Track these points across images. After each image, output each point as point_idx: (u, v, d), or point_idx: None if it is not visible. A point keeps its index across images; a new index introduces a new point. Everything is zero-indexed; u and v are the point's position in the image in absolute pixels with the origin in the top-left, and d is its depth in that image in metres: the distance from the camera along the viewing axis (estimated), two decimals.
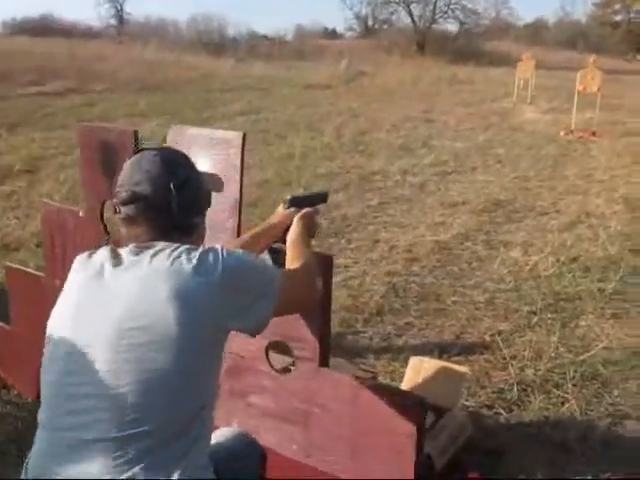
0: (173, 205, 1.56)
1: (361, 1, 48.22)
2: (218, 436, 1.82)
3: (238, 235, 2.20)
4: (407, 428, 1.96)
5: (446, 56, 31.11)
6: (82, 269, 1.59)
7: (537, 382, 3.49)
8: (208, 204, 1.73)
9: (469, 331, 4.12)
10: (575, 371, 3.59)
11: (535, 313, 4.34)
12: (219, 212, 2.25)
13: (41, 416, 1.51)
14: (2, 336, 3.15)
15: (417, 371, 3.06)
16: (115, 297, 1.47)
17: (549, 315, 4.32)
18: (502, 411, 3.24)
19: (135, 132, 2.44)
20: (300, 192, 2.38)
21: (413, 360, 3.15)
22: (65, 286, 1.61)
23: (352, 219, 6.58)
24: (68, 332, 1.50)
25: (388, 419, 1.99)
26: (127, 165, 1.64)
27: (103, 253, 1.58)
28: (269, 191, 7.45)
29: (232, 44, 27.74)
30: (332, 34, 53.95)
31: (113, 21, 44.83)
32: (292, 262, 1.84)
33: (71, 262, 1.66)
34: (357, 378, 2.07)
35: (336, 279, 4.93)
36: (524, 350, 3.80)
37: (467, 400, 3.32)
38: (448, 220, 6.54)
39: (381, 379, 3.47)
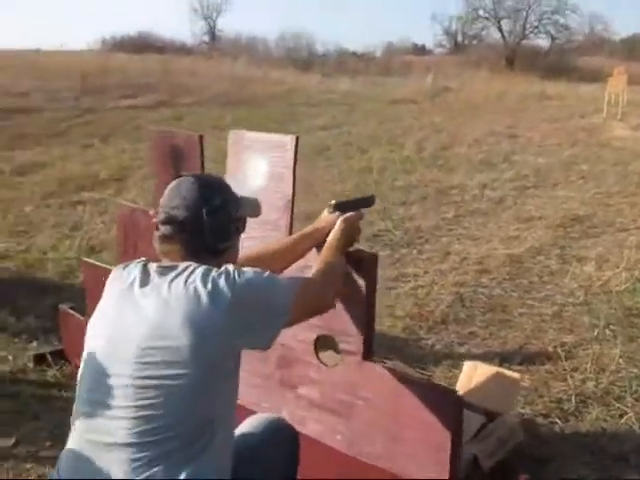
0: (204, 230, 1.70)
1: (451, 17, 47.96)
2: (252, 421, 1.96)
3: (290, 233, 2.32)
4: (444, 424, 2.02)
5: (536, 72, 30.57)
6: (116, 282, 1.75)
7: (597, 394, 3.47)
8: (241, 229, 1.86)
9: (533, 342, 4.11)
10: (638, 385, 3.55)
11: (602, 327, 4.28)
12: (273, 211, 2.38)
13: (73, 418, 1.67)
14: (79, 327, 3.36)
15: (471, 376, 3.10)
16: (139, 316, 1.62)
17: (617, 329, 4.26)
18: (558, 420, 3.23)
19: (201, 137, 2.60)
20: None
21: (467, 365, 3.19)
22: (103, 295, 1.78)
23: (426, 231, 6.62)
24: (101, 344, 1.66)
25: (427, 414, 2.06)
26: (168, 188, 1.79)
27: (135, 269, 1.73)
28: None
29: (319, 60, 28.13)
30: (421, 50, 53.88)
31: (206, 38, 46.15)
32: (318, 268, 1.95)
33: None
34: (398, 373, 2.14)
35: (404, 288, 5.03)
36: (586, 362, 3.77)
37: (523, 408, 3.33)
38: (523, 234, 6.50)
39: None
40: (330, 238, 2.12)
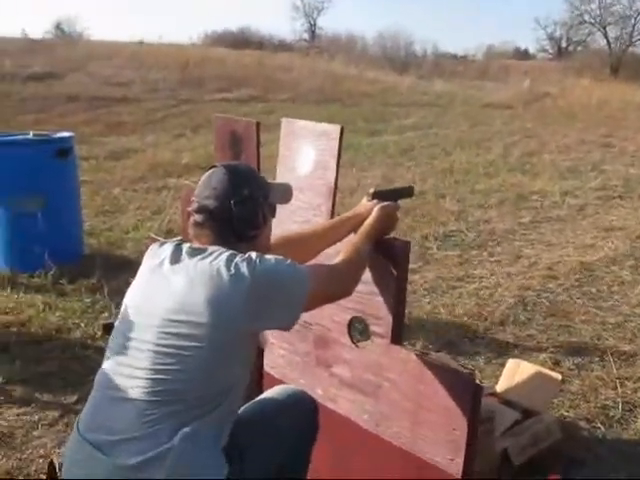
0: (233, 219, 1.83)
1: (556, 22, 46.84)
2: (275, 390, 2.11)
3: (332, 218, 2.42)
4: (462, 409, 2.08)
5: None
6: (151, 257, 1.90)
7: None
8: (271, 216, 1.98)
9: (589, 348, 4.07)
10: None
11: None
12: (317, 197, 2.49)
13: (97, 378, 1.83)
14: None
15: (513, 373, 3.14)
16: (167, 290, 1.75)
17: None
18: (601, 426, 3.22)
19: (257, 124, 2.73)
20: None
21: (511, 362, 3.22)
22: (140, 268, 1.92)
23: (499, 234, 6.60)
24: (130, 312, 1.82)
25: (446, 398, 2.12)
26: (202, 178, 1.92)
27: (169, 247, 1.87)
28: (423, 202, 7.63)
29: (416, 61, 28.03)
30: (524, 54, 52.83)
31: (306, 35, 46.67)
32: (345, 254, 2.03)
33: None
34: (423, 358, 2.21)
35: (467, 288, 5.06)
36: None
37: (567, 411, 3.34)
38: (599, 243, 6.38)
39: (486, 382, 3.55)
40: (365, 224, 2.21)
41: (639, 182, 9.55)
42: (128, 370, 1.73)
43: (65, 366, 3.66)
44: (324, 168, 2.46)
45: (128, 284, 3.35)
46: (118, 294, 4.41)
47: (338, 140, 2.39)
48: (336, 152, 2.41)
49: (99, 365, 1.85)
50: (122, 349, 1.77)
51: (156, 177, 8.29)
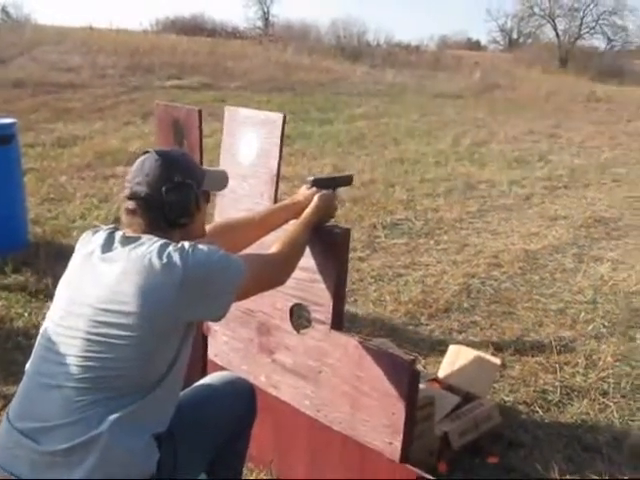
0: (164, 206, 1.81)
1: (507, 14, 47.44)
2: (211, 377, 2.13)
3: (274, 203, 2.44)
4: (400, 393, 2.12)
5: (589, 73, 30.09)
6: (84, 245, 1.87)
7: (584, 388, 3.53)
8: (205, 202, 1.95)
9: (530, 335, 4.17)
10: (627, 382, 3.60)
11: (603, 325, 4.32)
12: (261, 183, 2.50)
13: (27, 366, 1.82)
14: None
15: (454, 359, 3.20)
16: (98, 280, 1.74)
17: (617, 329, 4.29)
18: (539, 410, 3.31)
19: (199, 111, 2.73)
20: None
21: (452, 348, 3.29)
22: (73, 255, 1.90)
23: (447, 223, 6.68)
24: (61, 300, 1.80)
25: (385, 383, 2.16)
26: (135, 164, 1.89)
27: (102, 235, 1.84)
28: (373, 191, 7.69)
29: (369, 50, 28.05)
30: (475, 45, 53.38)
31: (259, 23, 46.33)
32: (282, 243, 2.04)
33: None
34: (363, 343, 2.24)
35: (413, 275, 5.13)
36: (579, 358, 3.82)
37: (507, 396, 3.41)
38: (544, 232, 6.52)
39: (429, 368, 3.61)
40: (305, 213, 2.22)
41: (584, 172, 9.78)
42: (58, 357, 1.71)
43: (7, 356, 3.60)
44: (267, 156, 2.47)
45: None
46: None
47: (281, 128, 2.40)
48: (279, 140, 2.42)
49: None
50: (53, 337, 1.76)
51: (104, 165, 8.16)
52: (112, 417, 1.65)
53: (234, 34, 31.32)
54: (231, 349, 2.73)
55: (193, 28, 29.99)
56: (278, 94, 15.83)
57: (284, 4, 78.22)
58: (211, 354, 2.84)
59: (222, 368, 2.72)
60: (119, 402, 1.68)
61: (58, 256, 4.96)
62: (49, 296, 4.24)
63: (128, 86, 14.30)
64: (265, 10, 47.08)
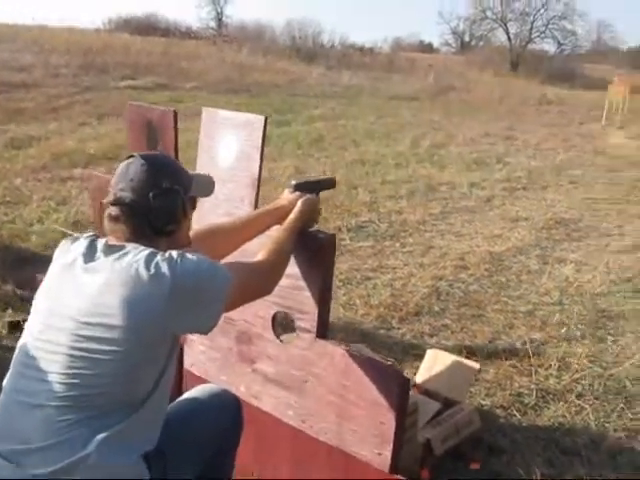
0: (151, 213, 1.72)
1: (459, 17, 48.03)
2: (198, 389, 2.04)
3: (255, 208, 2.36)
4: (390, 403, 2.07)
5: (540, 76, 30.61)
6: (63, 255, 1.77)
7: (558, 391, 3.53)
8: (191, 209, 1.88)
9: (502, 337, 4.18)
10: (600, 384, 3.62)
11: (572, 327, 4.35)
12: (241, 187, 2.43)
13: (5, 382, 1.70)
14: None
15: (431, 363, 3.16)
16: (79, 291, 1.64)
17: (586, 330, 4.33)
18: (517, 413, 3.29)
19: (174, 112, 2.64)
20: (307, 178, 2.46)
21: (429, 353, 3.25)
22: (50, 267, 1.79)
23: (411, 225, 6.68)
24: (40, 313, 1.70)
25: (374, 392, 2.11)
26: (119, 169, 1.79)
27: (83, 244, 1.74)
28: (336, 192, 7.62)
29: (324, 52, 28.06)
30: (428, 48, 53.86)
31: (213, 24, 45.91)
32: (268, 250, 1.97)
33: None
34: (350, 352, 2.19)
35: (381, 279, 5.09)
36: (552, 360, 3.82)
37: (484, 400, 3.40)
38: (506, 233, 6.56)
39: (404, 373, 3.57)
40: (289, 219, 2.15)
41: (541, 174, 9.90)
42: (39, 374, 1.61)
43: None
44: (248, 159, 2.40)
45: (34, 279, 3.18)
46: (23, 289, 4.22)
47: (262, 130, 2.34)
48: (260, 143, 2.35)
49: (5, 366, 1.73)
50: (32, 351, 1.65)
51: (60, 167, 7.96)
52: (99, 437, 1.56)
53: (188, 34, 31.00)
54: (208, 359, 2.65)
55: (146, 27, 29.57)
56: (234, 95, 15.71)
57: (238, 5, 77.83)
58: (187, 364, 2.75)
59: (199, 378, 2.64)
60: (102, 421, 1.59)
61: (17, 261, 4.83)
62: (9, 303, 4.12)
63: (81, 86, 14.02)
64: (219, 10, 46.69)
